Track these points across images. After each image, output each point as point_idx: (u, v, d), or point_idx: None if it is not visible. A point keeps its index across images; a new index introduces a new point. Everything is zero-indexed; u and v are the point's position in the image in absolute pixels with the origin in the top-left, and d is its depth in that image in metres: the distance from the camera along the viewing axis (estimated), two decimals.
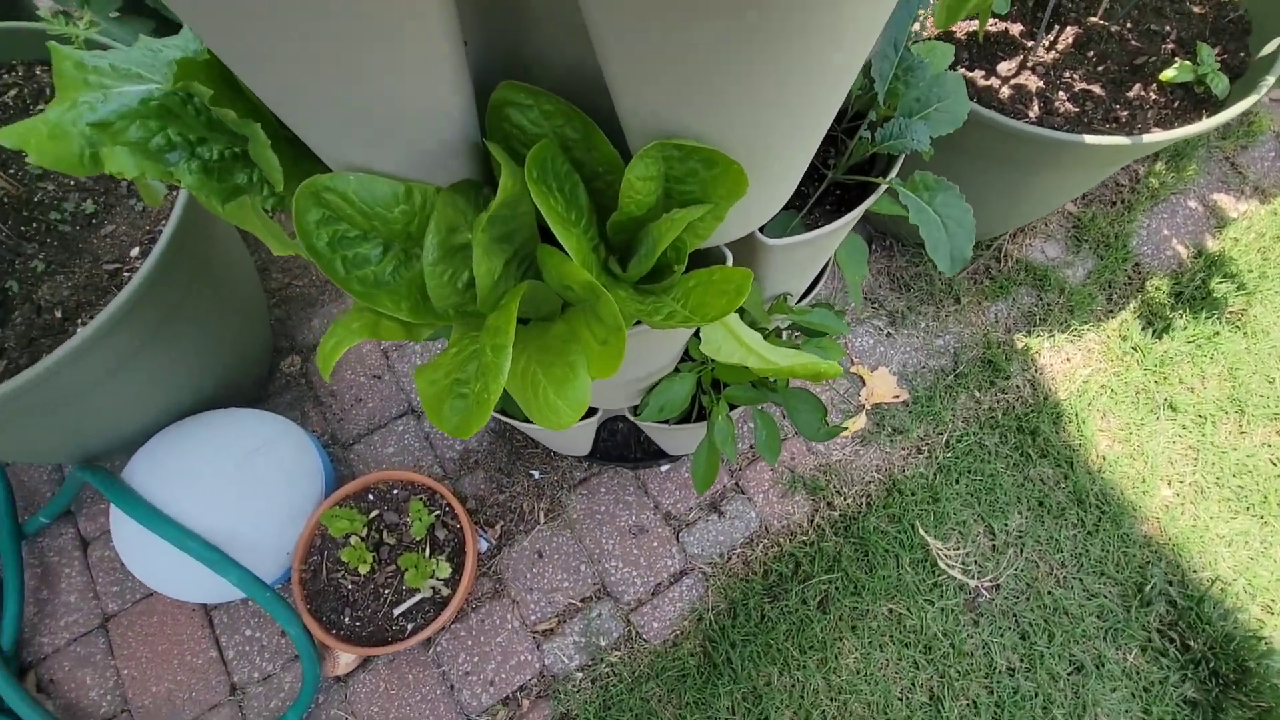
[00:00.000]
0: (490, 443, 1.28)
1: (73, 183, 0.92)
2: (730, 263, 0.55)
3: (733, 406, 0.77)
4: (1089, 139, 0.87)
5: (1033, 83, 0.99)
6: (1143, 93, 0.98)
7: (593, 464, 1.27)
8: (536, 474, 1.27)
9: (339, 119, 0.36)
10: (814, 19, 0.30)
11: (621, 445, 1.24)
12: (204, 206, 0.60)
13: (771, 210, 0.54)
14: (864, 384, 1.34)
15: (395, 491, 1.07)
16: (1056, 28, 1.04)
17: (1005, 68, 1.01)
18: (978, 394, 1.33)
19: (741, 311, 0.73)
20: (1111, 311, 1.41)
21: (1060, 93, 0.98)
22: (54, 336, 0.82)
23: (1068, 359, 1.37)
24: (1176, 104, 0.98)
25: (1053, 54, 1.03)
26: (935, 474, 1.27)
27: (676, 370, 0.73)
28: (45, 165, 0.53)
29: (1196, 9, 1.07)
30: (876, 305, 1.40)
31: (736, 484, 1.26)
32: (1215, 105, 0.96)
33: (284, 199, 0.55)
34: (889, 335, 1.38)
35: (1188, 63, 0.94)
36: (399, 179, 0.41)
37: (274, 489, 1.02)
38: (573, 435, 1.08)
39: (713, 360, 0.70)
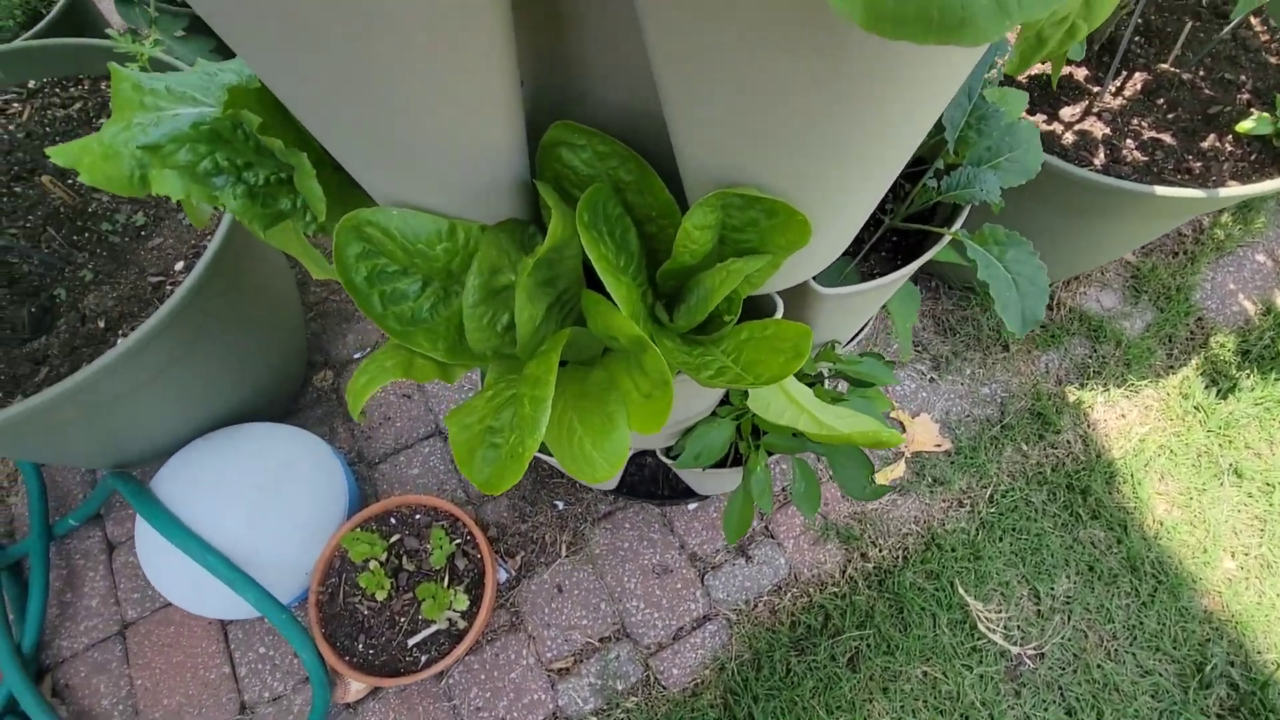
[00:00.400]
0: None
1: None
2: (781, 310, 0.52)
3: (769, 453, 0.74)
4: (1160, 190, 0.83)
5: (1098, 129, 0.95)
6: (1217, 144, 0.93)
7: (619, 498, 1.24)
8: (560, 505, 1.24)
9: (385, 152, 0.35)
10: (901, 62, 0.28)
11: (649, 481, 1.21)
12: (248, 227, 0.59)
13: (829, 259, 0.52)
14: (904, 430, 1.29)
15: (418, 516, 1.05)
16: (1124, 74, 1.00)
17: (1069, 113, 0.98)
18: (1025, 447, 1.27)
19: None
20: (1172, 368, 1.34)
21: (1128, 140, 0.94)
22: (95, 346, 0.83)
23: (1123, 415, 1.30)
24: (1254, 156, 0.93)
25: (1120, 100, 0.98)
26: (977, 530, 1.21)
27: (714, 414, 0.70)
28: (96, 185, 0.53)
29: (1273, 59, 1.02)
30: (920, 349, 1.35)
31: (766, 528, 1.22)
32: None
33: (326, 226, 0.54)
34: (932, 380, 1.33)
35: (1266, 115, 0.90)
36: (443, 215, 0.40)
37: (298, 507, 1.01)
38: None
39: None
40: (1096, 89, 0.98)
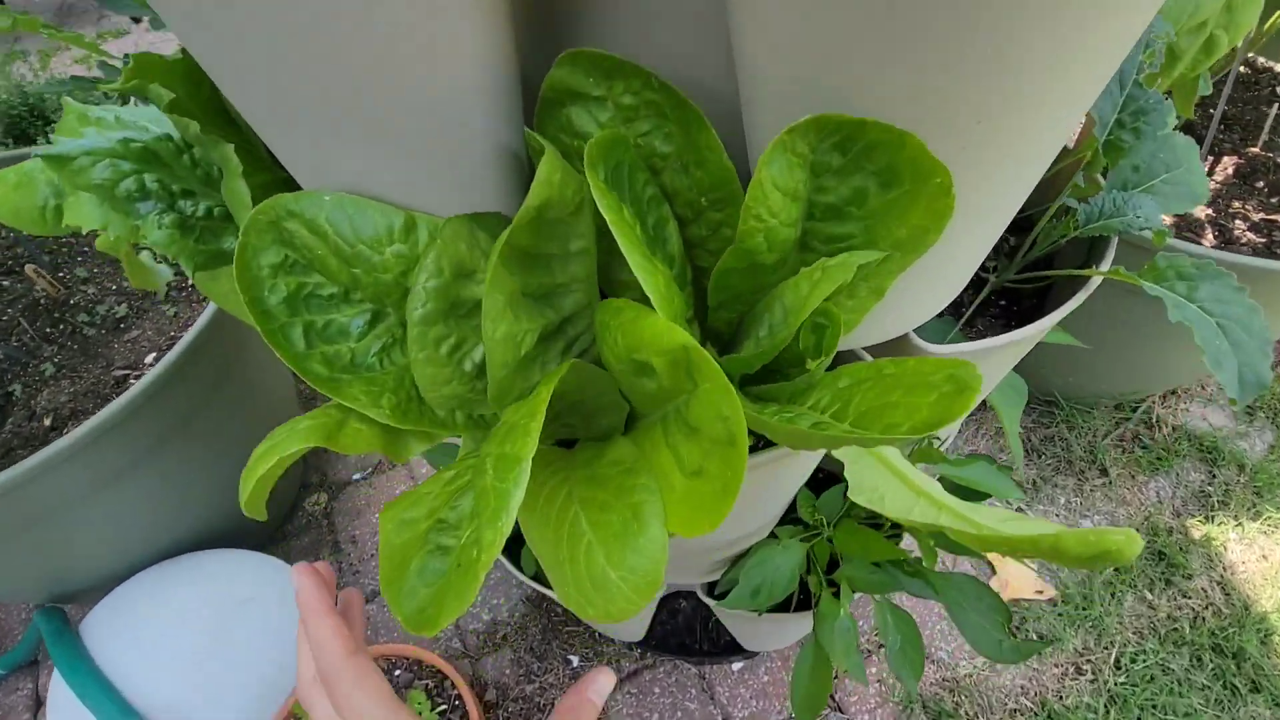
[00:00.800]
0: (523, 614, 1.06)
1: (114, 286, 0.86)
2: None
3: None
4: None
5: (1200, 211, 0.83)
6: None
7: (646, 652, 1.01)
8: (575, 660, 1.02)
9: (321, 88, 0.23)
10: None
11: (684, 630, 0.99)
12: (203, 291, 0.48)
13: (937, 303, 0.37)
14: (993, 573, 1.06)
15: (397, 672, 0.85)
16: (1211, 158, 0.90)
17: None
18: (1150, 595, 1.03)
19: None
20: None
21: (1236, 221, 0.81)
22: (34, 447, 0.70)
23: (1264, 556, 1.06)
24: None
25: (1214, 183, 0.87)
26: (1106, 704, 0.94)
27: (772, 535, 0.52)
28: (5, 220, 0.43)
29: None
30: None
31: (832, 696, 0.97)
32: None
33: None
34: (1020, 510, 1.12)
35: None
36: (397, 207, 0.28)
37: (253, 660, 0.82)
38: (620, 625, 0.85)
39: (833, 523, 0.50)
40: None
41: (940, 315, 0.48)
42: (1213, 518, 1.09)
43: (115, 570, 0.87)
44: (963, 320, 0.47)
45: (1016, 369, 0.80)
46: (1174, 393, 1.22)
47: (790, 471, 0.39)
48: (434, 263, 0.25)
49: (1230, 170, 0.90)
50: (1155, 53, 0.35)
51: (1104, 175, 0.41)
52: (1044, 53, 0.21)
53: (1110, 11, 0.21)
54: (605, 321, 0.24)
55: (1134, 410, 1.20)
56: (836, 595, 0.55)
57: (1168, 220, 0.81)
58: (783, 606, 0.65)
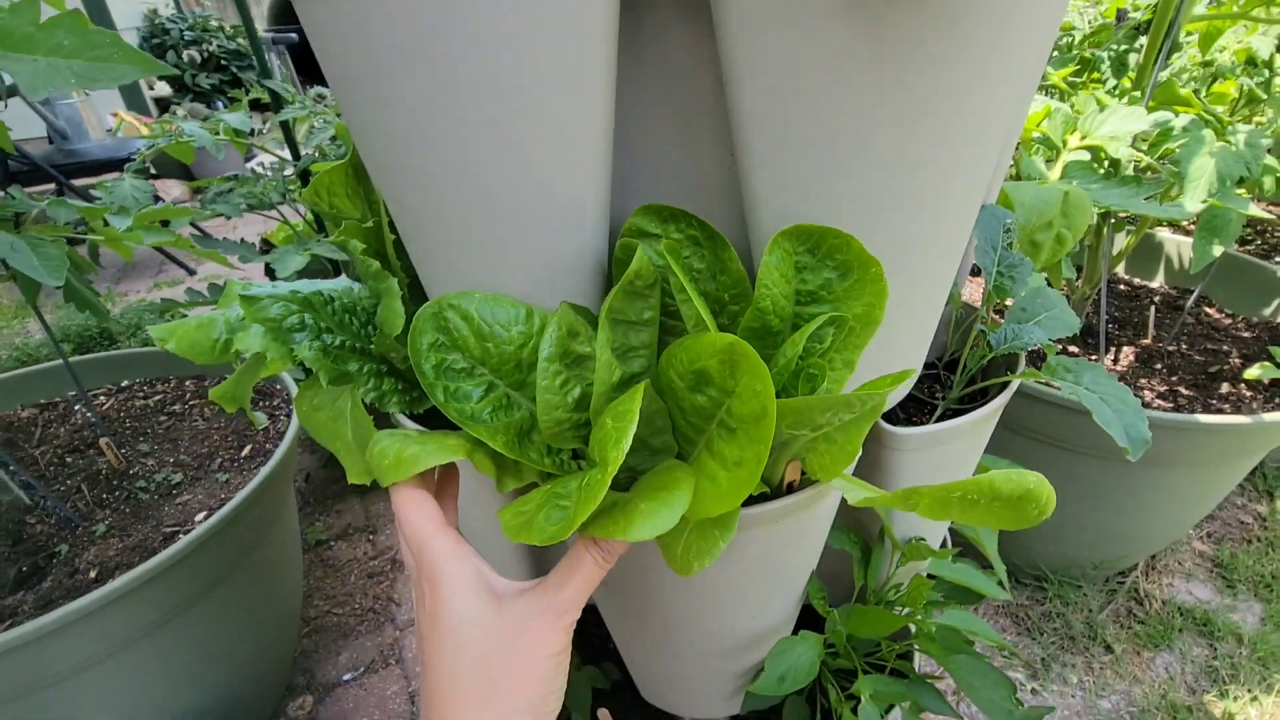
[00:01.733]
0: None
1: (172, 460, 0.95)
2: (854, 460, 0.48)
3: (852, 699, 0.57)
4: (1205, 419, 0.83)
5: None
6: (1233, 389, 0.97)
7: None
8: None
9: (476, 218, 0.38)
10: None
11: None
12: (302, 421, 0.59)
13: (899, 392, 0.50)
14: None
15: None
16: (1113, 350, 1.10)
17: (1121, 358, 1.04)
18: None
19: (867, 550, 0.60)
20: None
21: (1146, 393, 0.98)
22: (74, 597, 0.73)
23: None
24: (1277, 400, 0.95)
25: (1120, 367, 1.06)
26: None
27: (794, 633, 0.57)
28: (181, 353, 0.56)
29: (1245, 333, 1.13)
30: (1007, 654, 1.15)
31: None
32: None
33: (384, 395, 0.55)
34: (1033, 692, 1.10)
35: (1269, 363, 0.95)
36: (520, 303, 0.41)
37: None
38: None
39: (843, 621, 0.56)
40: (1094, 357, 1.07)
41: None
42: (1226, 693, 1.08)
43: None
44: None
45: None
46: (1154, 567, 1.28)
47: (804, 527, 0.47)
48: (556, 324, 0.37)
49: (1131, 358, 1.09)
50: (1010, 230, 0.53)
51: (1000, 317, 0.57)
52: (936, 177, 0.38)
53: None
54: (671, 353, 0.36)
55: (1121, 584, 1.24)
56: (855, 711, 0.58)
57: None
58: None
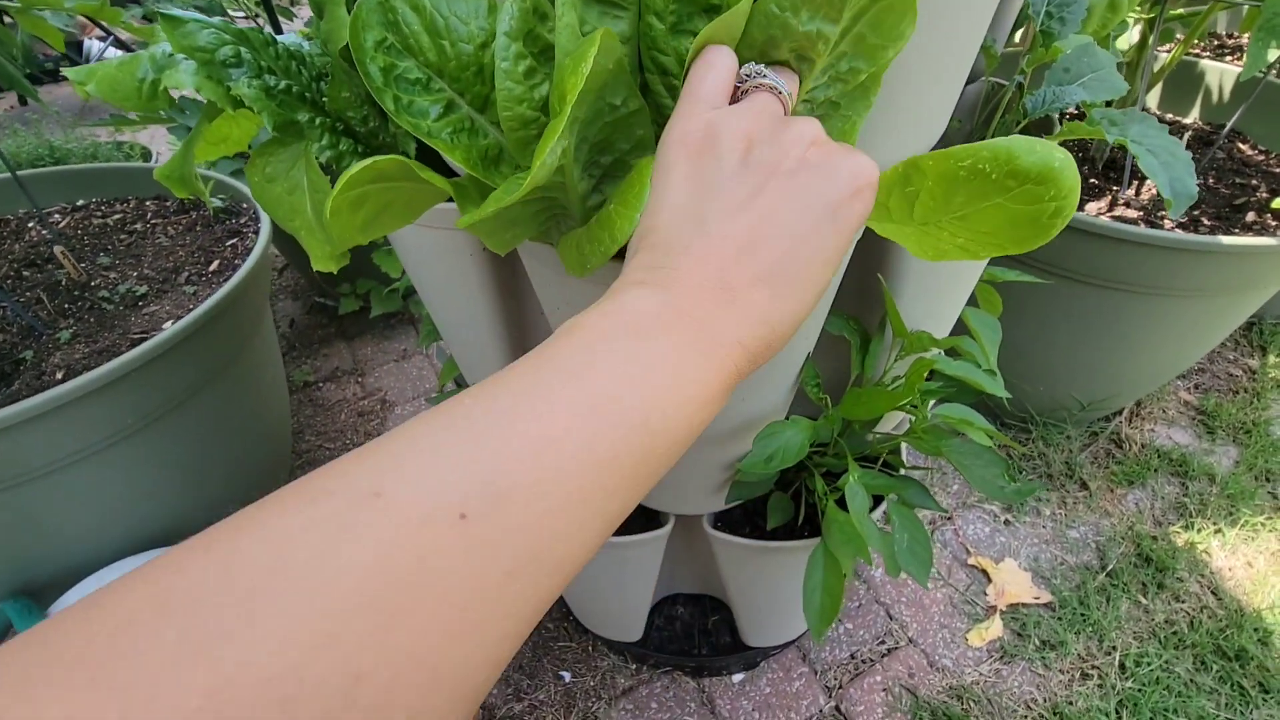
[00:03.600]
0: None
1: (135, 274, 0.90)
2: None
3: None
4: (1228, 240, 0.78)
5: (1132, 214, 0.94)
6: (1258, 219, 0.92)
7: (642, 667, 0.97)
8: (567, 676, 0.97)
9: None
10: None
11: (681, 638, 0.95)
12: (255, 195, 0.54)
13: (923, 139, 0.44)
14: (989, 580, 1.06)
15: None
16: (1136, 183, 1.03)
17: (1095, 207, 0.98)
18: (1143, 600, 1.03)
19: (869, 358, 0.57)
20: None
21: (1166, 221, 0.92)
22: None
23: (1249, 563, 1.08)
24: None
25: (1143, 199, 1.00)
26: (1117, 708, 0.92)
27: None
28: (103, 96, 0.49)
29: (1277, 169, 1.06)
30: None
31: (837, 707, 0.92)
32: None
33: (341, 155, 0.49)
34: (1007, 523, 1.14)
35: None
36: None
37: None
38: (623, 599, 0.83)
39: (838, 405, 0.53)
40: (1116, 188, 1.00)
41: None
42: (1193, 525, 1.12)
43: (90, 559, 0.83)
44: None
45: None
46: (1136, 414, 1.29)
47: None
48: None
49: (1154, 191, 1.03)
50: None
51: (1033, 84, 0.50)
52: None
53: None
54: None
55: (1104, 428, 1.26)
56: (841, 504, 0.57)
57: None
58: (789, 533, 0.66)
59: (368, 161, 0.31)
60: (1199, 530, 1.11)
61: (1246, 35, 1.37)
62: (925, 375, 0.49)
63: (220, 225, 0.98)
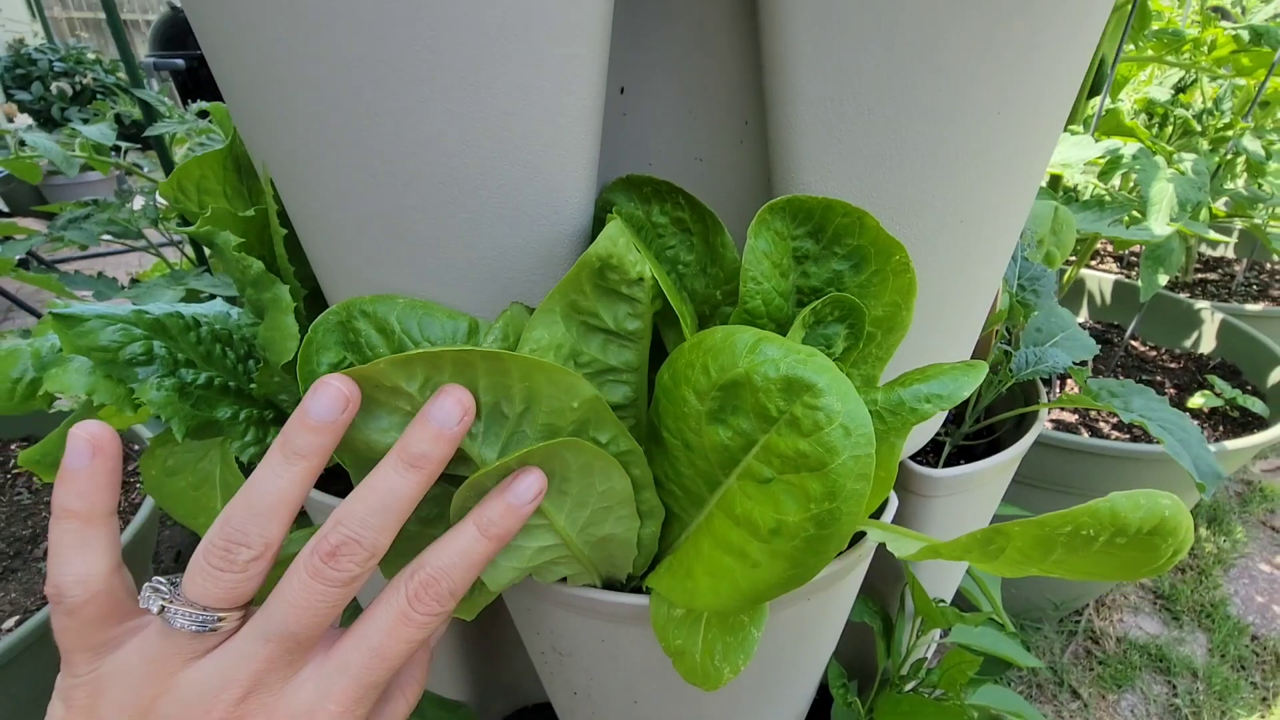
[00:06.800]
0: None
1: None
2: (894, 506, 0.39)
3: None
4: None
5: (1068, 417, 0.98)
6: None
7: None
8: None
9: (412, 198, 0.27)
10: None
11: None
12: (149, 490, 0.45)
13: (928, 430, 0.41)
14: None
15: None
16: (1057, 380, 1.09)
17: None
18: None
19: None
20: (1266, 699, 1.11)
21: (1101, 424, 0.96)
22: None
23: None
24: (1221, 428, 0.96)
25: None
26: None
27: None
28: None
29: (1172, 364, 1.16)
30: None
31: None
32: (1261, 421, 0.94)
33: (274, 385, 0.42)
34: None
35: (1209, 392, 0.96)
36: (460, 313, 0.30)
37: None
38: None
39: (869, 702, 0.46)
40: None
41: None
42: None
43: None
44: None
45: None
46: (1103, 603, 1.26)
47: (834, 600, 0.36)
48: (501, 328, 0.26)
49: (1075, 390, 1.09)
50: (1029, 238, 0.47)
51: (1013, 345, 0.51)
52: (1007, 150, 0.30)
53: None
54: (685, 359, 0.25)
55: (1077, 623, 1.22)
56: None
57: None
58: None
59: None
60: None
61: (1117, 249, 1.58)
62: (968, 674, 0.42)
63: None
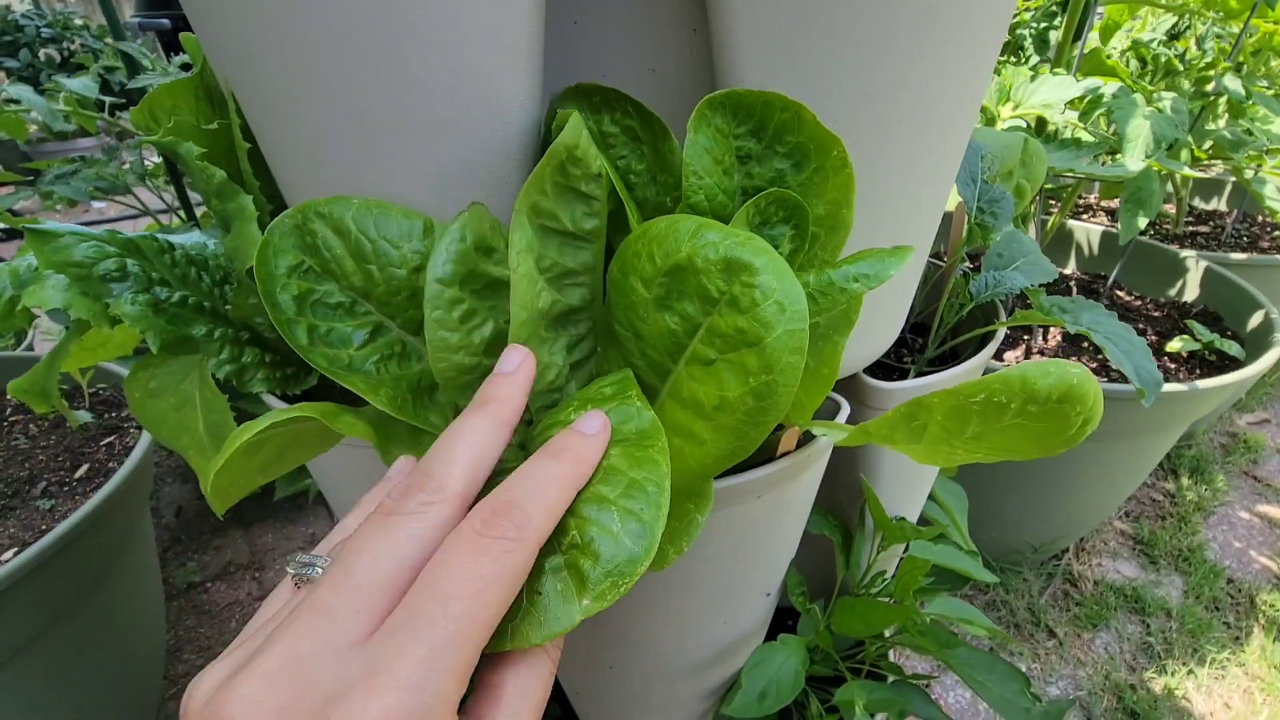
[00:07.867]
0: None
1: None
2: (846, 410, 0.40)
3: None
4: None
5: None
6: (1157, 363, 0.98)
7: None
8: None
9: (366, 97, 0.28)
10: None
11: None
12: (134, 411, 0.46)
13: (881, 341, 0.43)
14: None
15: None
16: (1040, 329, 1.11)
17: (1012, 356, 1.03)
18: None
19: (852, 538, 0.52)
20: (1238, 638, 1.14)
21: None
22: None
23: (1227, 704, 1.04)
24: (1198, 370, 0.97)
25: (1055, 342, 1.06)
26: None
27: (770, 641, 0.48)
28: None
29: (1155, 313, 1.17)
30: (999, 643, 1.11)
31: None
32: (1238, 364, 0.95)
33: (244, 369, 0.43)
34: None
35: (1188, 336, 0.97)
36: (415, 212, 0.31)
37: None
38: None
39: (827, 609, 0.48)
40: (1028, 336, 1.06)
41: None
42: (1165, 668, 1.08)
43: None
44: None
45: None
46: (1082, 549, 1.29)
47: (787, 503, 0.38)
48: (458, 229, 0.27)
49: (1059, 337, 1.10)
50: (990, 160, 0.48)
51: (975, 269, 0.52)
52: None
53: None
54: (632, 249, 0.26)
55: (1056, 567, 1.25)
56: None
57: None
58: None
59: (276, 417, 0.25)
60: (1173, 674, 1.08)
61: (1103, 200, 1.58)
62: (918, 578, 0.44)
63: (97, 421, 0.86)
